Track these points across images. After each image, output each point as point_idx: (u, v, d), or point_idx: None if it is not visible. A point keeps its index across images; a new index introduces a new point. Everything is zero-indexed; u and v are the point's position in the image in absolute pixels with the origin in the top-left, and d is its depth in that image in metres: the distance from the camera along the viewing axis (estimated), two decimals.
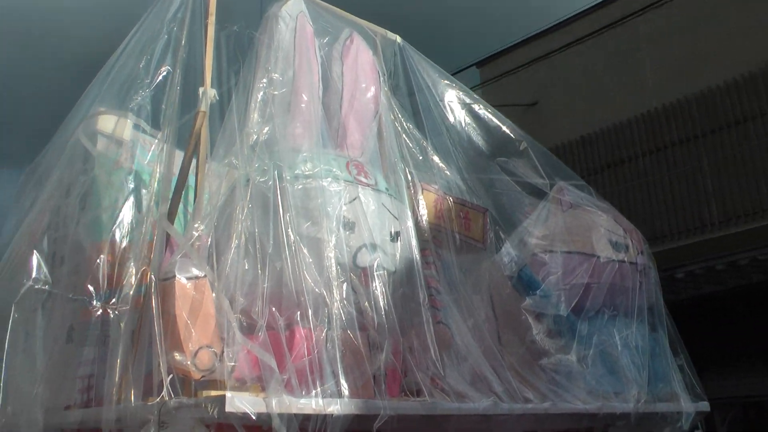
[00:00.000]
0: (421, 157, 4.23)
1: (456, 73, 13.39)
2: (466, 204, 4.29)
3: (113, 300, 3.41)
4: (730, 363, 10.87)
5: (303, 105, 3.58)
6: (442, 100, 4.66)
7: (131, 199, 3.76)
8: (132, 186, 3.80)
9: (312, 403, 2.83)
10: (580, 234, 4.81)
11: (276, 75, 3.54)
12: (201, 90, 3.50)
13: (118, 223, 3.68)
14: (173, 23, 3.68)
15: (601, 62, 13.93)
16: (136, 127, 3.88)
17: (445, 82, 4.77)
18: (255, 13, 3.85)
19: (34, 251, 3.72)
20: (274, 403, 2.72)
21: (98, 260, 3.72)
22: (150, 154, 3.84)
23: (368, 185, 3.56)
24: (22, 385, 3.55)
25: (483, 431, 3.74)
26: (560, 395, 4.08)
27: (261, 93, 3.46)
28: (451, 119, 4.67)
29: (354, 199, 3.44)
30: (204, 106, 3.47)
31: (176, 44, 3.65)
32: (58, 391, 3.64)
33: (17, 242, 3.86)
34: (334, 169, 3.47)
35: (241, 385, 2.95)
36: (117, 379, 3.13)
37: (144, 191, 3.74)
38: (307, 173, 3.39)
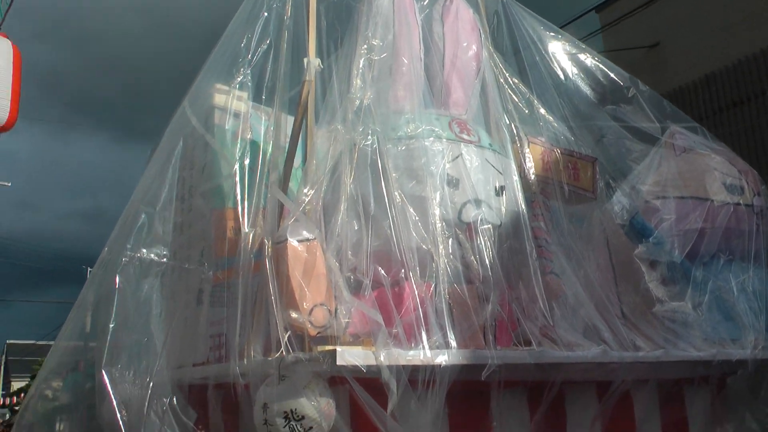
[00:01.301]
0: (527, 111, 4.25)
1: (575, 19, 13.15)
2: (574, 154, 4.29)
3: (235, 264, 3.63)
4: None
5: (404, 68, 3.69)
6: (548, 53, 4.66)
7: (249, 167, 3.94)
8: (250, 155, 3.98)
9: (420, 355, 2.97)
10: (693, 178, 4.74)
11: (376, 41, 3.65)
12: (306, 60, 3.64)
13: (237, 190, 3.88)
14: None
15: None
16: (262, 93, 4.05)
17: (551, 34, 4.77)
18: None
19: (148, 222, 3.98)
20: (382, 356, 2.87)
21: (221, 227, 3.97)
22: (264, 124, 4.02)
23: (471, 142, 3.64)
24: (150, 347, 3.82)
25: (594, 380, 3.79)
26: (674, 343, 4.06)
27: (362, 59, 3.58)
28: (557, 71, 4.66)
29: (457, 157, 3.54)
30: (310, 75, 3.61)
31: (278, 19, 3.79)
32: (190, 349, 3.92)
33: (134, 212, 4.12)
34: (437, 129, 3.58)
35: (355, 340, 3.11)
36: (239, 337, 3.34)
37: (261, 160, 3.92)
38: (410, 134, 3.52)
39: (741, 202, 4.73)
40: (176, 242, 4.31)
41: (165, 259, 4.11)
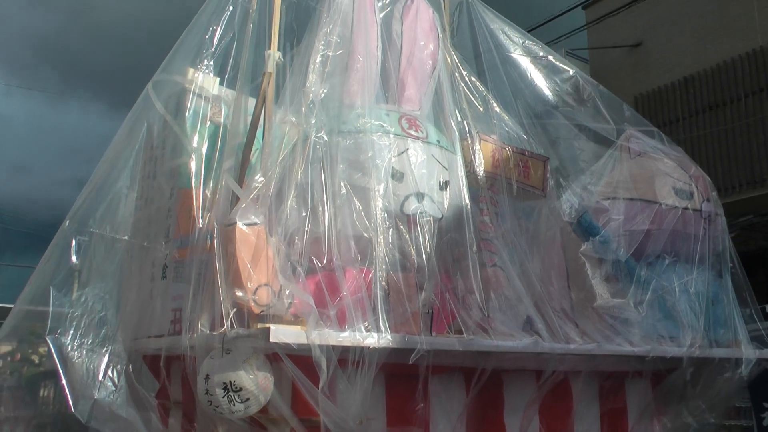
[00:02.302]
0: (482, 109, 4.43)
1: (560, 15, 13.34)
2: (525, 153, 4.48)
3: (192, 242, 3.82)
4: None
5: (358, 65, 3.87)
6: (508, 53, 4.85)
7: (213, 150, 4.12)
8: (214, 138, 4.15)
9: (350, 337, 3.17)
10: (643, 181, 4.93)
11: (334, 37, 3.84)
12: (267, 53, 3.82)
13: (200, 172, 4.05)
14: None
15: (707, 1, 13.47)
16: (223, 83, 4.23)
17: (513, 34, 4.95)
18: None
19: (112, 199, 4.17)
20: (314, 335, 3.07)
21: (186, 205, 4.14)
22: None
23: (419, 138, 3.83)
24: (111, 317, 4.03)
25: (527, 369, 4.00)
26: (611, 338, 4.27)
27: (320, 54, 3.77)
28: (516, 71, 4.85)
29: (403, 152, 3.74)
30: (270, 68, 3.79)
31: (243, 13, 3.96)
32: (152, 321, 4.11)
33: (98, 188, 4.30)
34: (385, 124, 3.77)
35: (296, 320, 3.30)
36: (191, 312, 3.54)
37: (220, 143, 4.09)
38: (359, 128, 3.71)
39: (689, 206, 4.92)
40: (144, 218, 4.49)
41: (126, 237, 4.30)
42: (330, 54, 3.79)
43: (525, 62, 4.92)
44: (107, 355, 3.98)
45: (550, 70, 5.04)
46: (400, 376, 3.55)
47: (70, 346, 3.96)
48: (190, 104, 4.29)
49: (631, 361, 4.38)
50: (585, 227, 4.64)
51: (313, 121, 3.61)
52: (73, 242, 4.20)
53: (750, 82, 12.28)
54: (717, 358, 4.75)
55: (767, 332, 5.33)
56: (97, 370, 3.91)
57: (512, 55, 4.86)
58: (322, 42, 3.79)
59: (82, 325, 4.06)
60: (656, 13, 13.96)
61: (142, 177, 4.51)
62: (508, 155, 4.35)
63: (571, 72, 5.15)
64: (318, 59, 3.74)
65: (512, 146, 4.44)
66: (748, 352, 4.86)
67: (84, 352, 3.97)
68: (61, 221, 4.31)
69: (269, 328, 3.06)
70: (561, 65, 5.09)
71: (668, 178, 4.97)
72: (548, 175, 4.56)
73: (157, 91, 4.29)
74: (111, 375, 3.94)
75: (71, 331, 4.01)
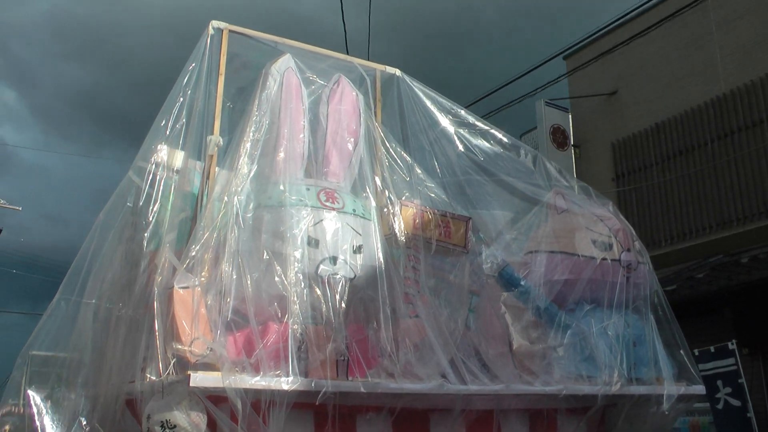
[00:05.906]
0: (407, 177, 5.03)
1: (542, 64, 13.94)
2: (447, 215, 5.03)
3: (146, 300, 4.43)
4: None
5: (283, 147, 4.50)
6: (436, 123, 5.44)
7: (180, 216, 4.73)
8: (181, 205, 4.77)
9: (261, 381, 3.76)
10: (564, 236, 5.42)
11: (264, 124, 4.48)
12: (209, 138, 4.47)
13: (164, 236, 4.67)
14: (188, 87, 4.64)
15: (674, 49, 14.10)
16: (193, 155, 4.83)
17: (440, 104, 5.53)
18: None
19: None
20: (228, 380, 3.67)
21: (153, 265, 4.75)
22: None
23: (334, 209, 4.43)
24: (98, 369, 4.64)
25: (438, 407, 4.53)
26: (528, 381, 4.77)
27: (250, 138, 4.41)
28: (444, 140, 5.43)
29: (319, 222, 4.34)
30: (211, 151, 4.44)
31: (191, 103, 4.60)
32: (126, 370, 4.72)
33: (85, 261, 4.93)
34: (304, 198, 4.38)
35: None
36: (141, 361, 4.16)
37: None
38: (281, 202, 4.33)
39: (608, 257, 5.36)
40: (125, 276, 5.12)
41: (93, 301, 4.93)
42: (259, 138, 4.43)
43: (453, 129, 5.47)
44: (82, 402, 4.59)
45: (479, 137, 5.59)
46: (327, 414, 4.11)
47: (47, 397, 4.56)
48: (161, 176, 4.90)
49: (542, 400, 4.86)
50: (506, 279, 5.15)
51: (242, 198, 4.25)
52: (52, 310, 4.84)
53: (716, 128, 12.85)
54: (637, 395, 5.17)
55: (706, 373, 5.76)
56: (70, 415, 4.52)
57: (439, 123, 5.44)
58: (253, 128, 4.43)
59: (61, 378, 4.68)
60: (629, 61, 14.63)
61: (119, 239, 5.12)
62: (430, 218, 4.93)
63: (503, 136, 5.71)
64: (249, 144, 4.38)
65: (434, 209, 5.01)
66: (670, 389, 5.22)
67: (61, 401, 4.58)
68: None
69: (189, 375, 3.67)
70: (492, 130, 5.65)
71: (588, 232, 5.42)
72: (470, 234, 5.10)
73: (134, 172, 4.92)
74: (82, 420, 4.55)
75: (49, 384, 4.63)
